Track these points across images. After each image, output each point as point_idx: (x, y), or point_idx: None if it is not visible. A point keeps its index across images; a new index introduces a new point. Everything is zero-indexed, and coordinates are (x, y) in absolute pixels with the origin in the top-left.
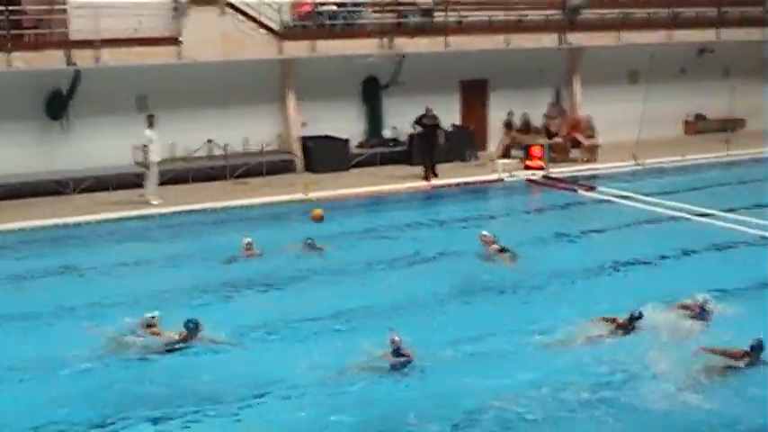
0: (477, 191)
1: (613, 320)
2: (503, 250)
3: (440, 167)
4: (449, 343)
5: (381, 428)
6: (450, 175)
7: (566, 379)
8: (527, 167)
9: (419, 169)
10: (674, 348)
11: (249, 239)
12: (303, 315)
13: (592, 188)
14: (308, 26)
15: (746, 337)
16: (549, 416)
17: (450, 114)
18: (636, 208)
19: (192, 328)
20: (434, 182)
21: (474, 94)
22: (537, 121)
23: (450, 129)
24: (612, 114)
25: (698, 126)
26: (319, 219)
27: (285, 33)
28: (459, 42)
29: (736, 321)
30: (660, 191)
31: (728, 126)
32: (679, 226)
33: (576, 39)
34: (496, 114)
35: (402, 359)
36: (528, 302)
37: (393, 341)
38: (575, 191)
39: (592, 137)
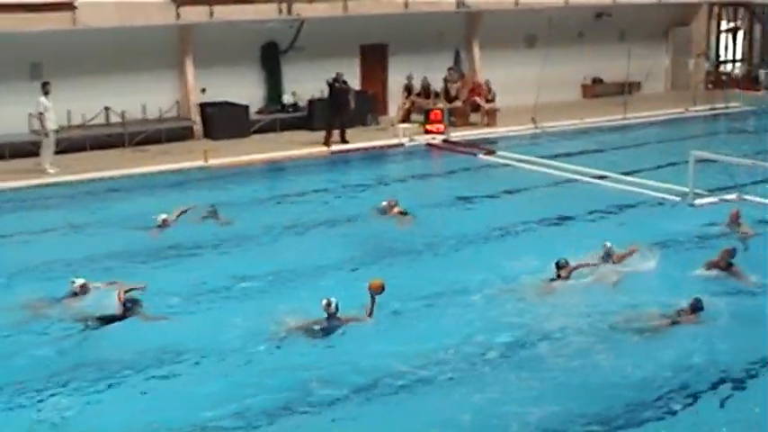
0: (378, 156)
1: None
2: (403, 213)
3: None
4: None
5: (286, 395)
6: (352, 140)
7: (478, 340)
8: (427, 132)
9: (320, 135)
10: (589, 306)
11: (165, 216)
12: (216, 284)
13: (492, 152)
14: None
15: (655, 290)
16: (458, 377)
17: (350, 79)
18: (536, 171)
19: (131, 306)
20: (335, 147)
21: (374, 58)
22: (437, 85)
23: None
24: (511, 78)
25: (595, 89)
26: (379, 289)
27: None
28: (358, 6)
29: (642, 278)
30: (559, 154)
31: (625, 89)
32: (578, 188)
33: (474, 2)
34: (396, 79)
35: (336, 323)
36: (438, 265)
37: (329, 305)
38: (475, 155)
39: (491, 101)
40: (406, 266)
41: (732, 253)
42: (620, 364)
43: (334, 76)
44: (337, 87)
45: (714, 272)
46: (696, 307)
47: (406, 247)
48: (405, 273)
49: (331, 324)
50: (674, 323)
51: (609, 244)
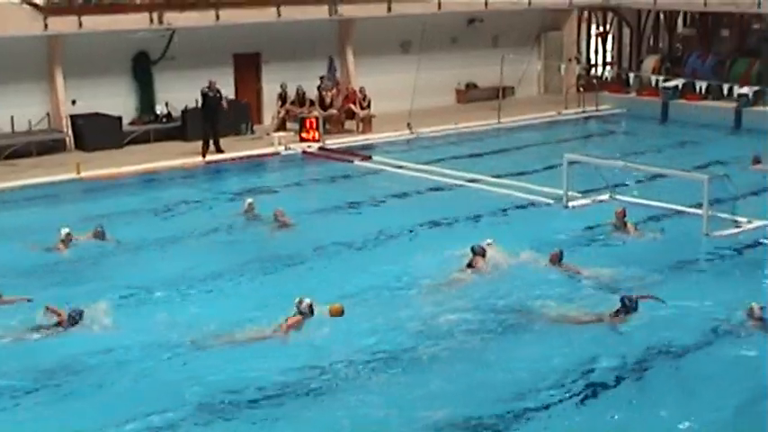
0: (255, 165)
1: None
2: (285, 225)
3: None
4: (239, 320)
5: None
6: (227, 150)
7: (367, 344)
8: (303, 140)
9: (194, 145)
10: (479, 303)
11: (67, 230)
12: (105, 295)
13: (368, 158)
14: (75, 1)
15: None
16: (343, 385)
17: (224, 88)
18: (413, 176)
19: (76, 316)
20: (210, 157)
21: (247, 67)
22: (311, 93)
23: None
24: (386, 84)
25: (470, 94)
26: (338, 313)
27: (50, 8)
28: (230, 15)
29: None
30: (435, 159)
31: (499, 94)
32: (456, 193)
33: (347, 10)
34: (271, 87)
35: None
36: (325, 272)
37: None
38: (351, 161)
39: (366, 108)
40: (294, 274)
41: (560, 255)
42: (510, 365)
43: (207, 85)
44: (211, 96)
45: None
46: (630, 308)
47: (290, 254)
48: (292, 280)
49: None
50: (599, 320)
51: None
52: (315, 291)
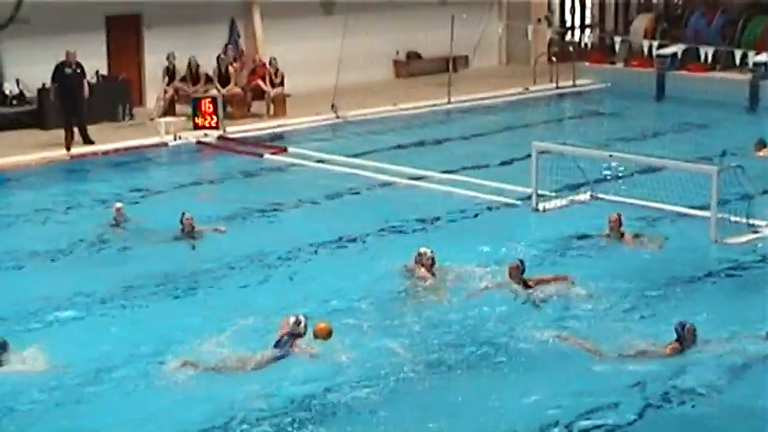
0: (134, 159)
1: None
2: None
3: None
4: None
5: None
6: (99, 141)
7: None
8: (197, 126)
9: (56, 134)
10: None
11: None
12: None
13: (282, 150)
14: None
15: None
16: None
17: (94, 60)
18: (338, 172)
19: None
20: (76, 150)
21: (124, 33)
22: (208, 66)
23: (94, 80)
24: (304, 55)
25: (411, 67)
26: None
27: None
28: None
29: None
30: (367, 150)
31: (449, 66)
32: (394, 193)
33: None
34: (155, 60)
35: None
36: (236, 292)
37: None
38: (260, 155)
39: (278, 85)
40: (187, 301)
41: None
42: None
43: (63, 58)
44: (68, 74)
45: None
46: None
47: (192, 271)
48: (179, 310)
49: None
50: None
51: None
52: (206, 322)
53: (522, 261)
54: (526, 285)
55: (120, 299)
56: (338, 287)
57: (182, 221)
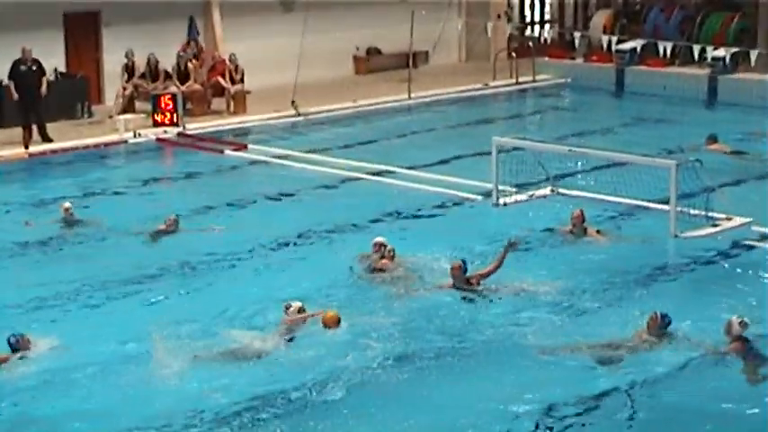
0: (93, 157)
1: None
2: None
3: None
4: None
5: None
6: (58, 138)
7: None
8: (157, 124)
9: (12, 133)
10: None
11: None
12: None
13: (242, 147)
14: None
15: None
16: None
17: (52, 58)
18: (299, 169)
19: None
20: (34, 148)
21: (82, 30)
22: (167, 63)
23: (53, 77)
24: (264, 51)
25: (371, 63)
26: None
27: None
28: None
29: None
30: (329, 146)
31: (409, 62)
32: (355, 189)
33: None
34: (114, 57)
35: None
36: (201, 293)
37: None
38: (221, 151)
39: (239, 81)
40: (166, 293)
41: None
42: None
43: (20, 55)
44: (23, 70)
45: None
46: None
47: (156, 271)
48: (168, 303)
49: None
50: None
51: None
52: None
53: (464, 261)
54: (468, 283)
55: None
56: (300, 283)
57: (167, 220)
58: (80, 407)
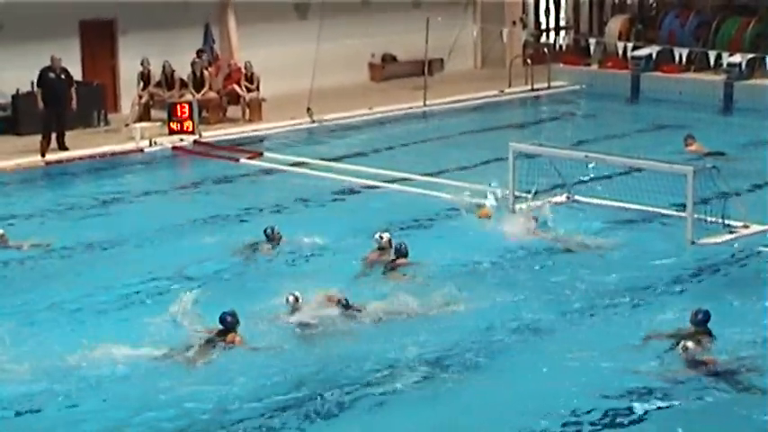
0: (110, 165)
1: None
2: None
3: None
4: None
5: None
6: (75, 146)
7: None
8: (173, 132)
9: (31, 141)
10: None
11: None
12: None
13: (258, 154)
14: None
15: None
16: None
17: (68, 66)
18: (315, 177)
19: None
20: (52, 156)
21: (99, 38)
22: (183, 71)
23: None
24: (279, 59)
25: (387, 70)
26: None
27: None
28: None
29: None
30: (345, 154)
31: (425, 69)
32: (371, 197)
33: None
34: (130, 65)
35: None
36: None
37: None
38: (236, 159)
39: (254, 89)
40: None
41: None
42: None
43: (49, 63)
44: (52, 78)
45: None
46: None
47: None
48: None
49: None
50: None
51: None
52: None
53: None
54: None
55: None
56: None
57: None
58: None
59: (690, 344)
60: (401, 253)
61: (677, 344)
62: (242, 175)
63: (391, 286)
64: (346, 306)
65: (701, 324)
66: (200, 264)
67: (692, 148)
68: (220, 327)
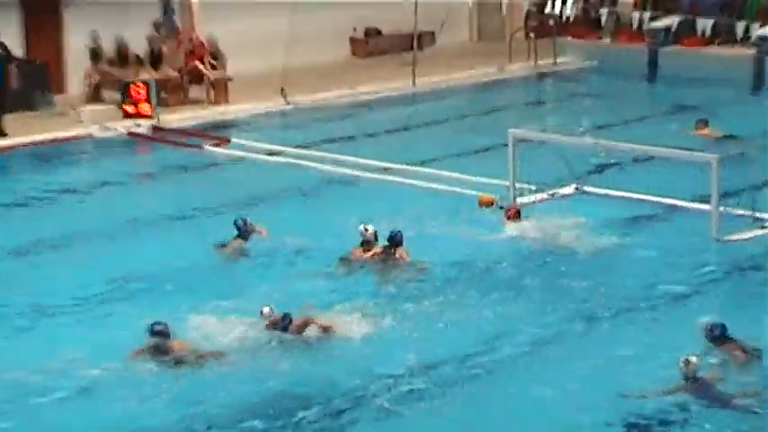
0: (56, 153)
1: None
2: None
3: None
4: None
5: None
6: (15, 132)
7: None
8: (127, 115)
9: None
10: None
11: None
12: None
13: (224, 141)
14: None
15: None
16: None
17: (7, 42)
18: (290, 167)
19: None
20: None
21: (42, 11)
22: (138, 46)
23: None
24: (248, 33)
25: (371, 45)
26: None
27: None
28: None
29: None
30: (323, 141)
31: (413, 44)
32: (352, 188)
33: None
34: (78, 40)
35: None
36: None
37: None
38: (200, 147)
39: (220, 67)
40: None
41: None
42: None
43: None
44: None
45: None
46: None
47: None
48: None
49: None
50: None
51: None
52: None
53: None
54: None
55: None
56: (285, 293)
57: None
58: None
59: (693, 358)
60: (396, 241)
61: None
62: (207, 165)
63: (382, 284)
64: (326, 330)
65: (718, 339)
66: (161, 263)
67: (704, 132)
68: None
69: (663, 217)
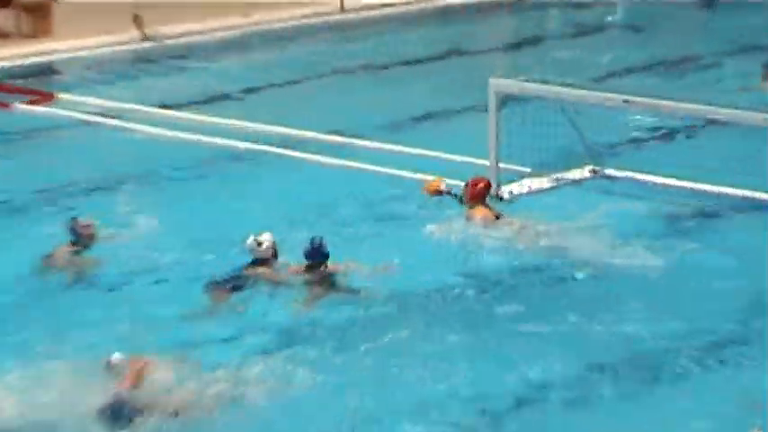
0: None
1: None
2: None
3: None
4: None
5: None
6: None
7: None
8: None
9: None
10: None
11: None
12: None
13: (47, 97)
14: None
15: None
16: None
17: None
18: (148, 135)
19: None
20: None
21: None
22: None
23: None
24: None
25: None
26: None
27: None
28: None
29: None
30: (199, 96)
31: None
32: (238, 167)
33: None
34: None
35: None
36: None
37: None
38: (6, 105)
39: None
40: None
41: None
42: None
43: None
44: None
45: None
46: None
47: None
48: None
49: None
50: None
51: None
52: None
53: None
54: None
55: None
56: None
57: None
58: None
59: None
60: (320, 253)
61: None
62: (19, 132)
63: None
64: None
65: None
66: None
67: None
68: None
69: (719, 212)
